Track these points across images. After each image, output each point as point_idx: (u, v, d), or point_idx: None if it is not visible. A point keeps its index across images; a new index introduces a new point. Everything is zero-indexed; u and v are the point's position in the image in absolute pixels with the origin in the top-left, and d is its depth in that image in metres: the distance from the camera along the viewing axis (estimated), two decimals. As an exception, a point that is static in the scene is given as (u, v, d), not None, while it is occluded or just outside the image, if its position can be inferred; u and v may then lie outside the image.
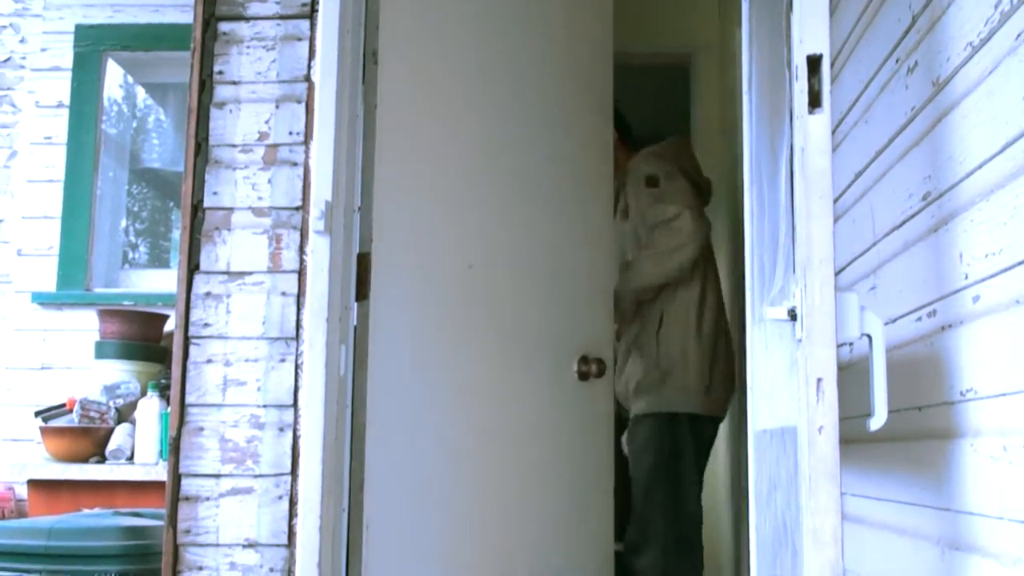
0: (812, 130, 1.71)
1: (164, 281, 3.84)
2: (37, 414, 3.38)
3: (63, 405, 3.40)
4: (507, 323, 2.65)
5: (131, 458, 3.18)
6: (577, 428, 2.79)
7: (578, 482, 2.78)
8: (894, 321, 1.95)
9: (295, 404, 2.37)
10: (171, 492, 2.35)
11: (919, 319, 1.82)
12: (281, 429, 2.37)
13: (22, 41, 3.96)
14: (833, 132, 2.34)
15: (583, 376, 2.74)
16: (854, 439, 2.16)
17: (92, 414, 3.26)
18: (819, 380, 1.62)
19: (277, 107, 2.49)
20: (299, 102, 2.48)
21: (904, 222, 1.91)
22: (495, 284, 2.64)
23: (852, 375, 2.13)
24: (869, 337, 1.69)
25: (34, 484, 3.14)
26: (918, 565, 1.81)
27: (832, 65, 2.38)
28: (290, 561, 2.31)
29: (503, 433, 2.63)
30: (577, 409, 2.77)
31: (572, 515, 2.77)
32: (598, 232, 2.87)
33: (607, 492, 2.83)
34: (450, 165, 2.62)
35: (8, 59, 3.96)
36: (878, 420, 1.69)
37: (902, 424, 1.90)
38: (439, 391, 2.54)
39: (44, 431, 3.23)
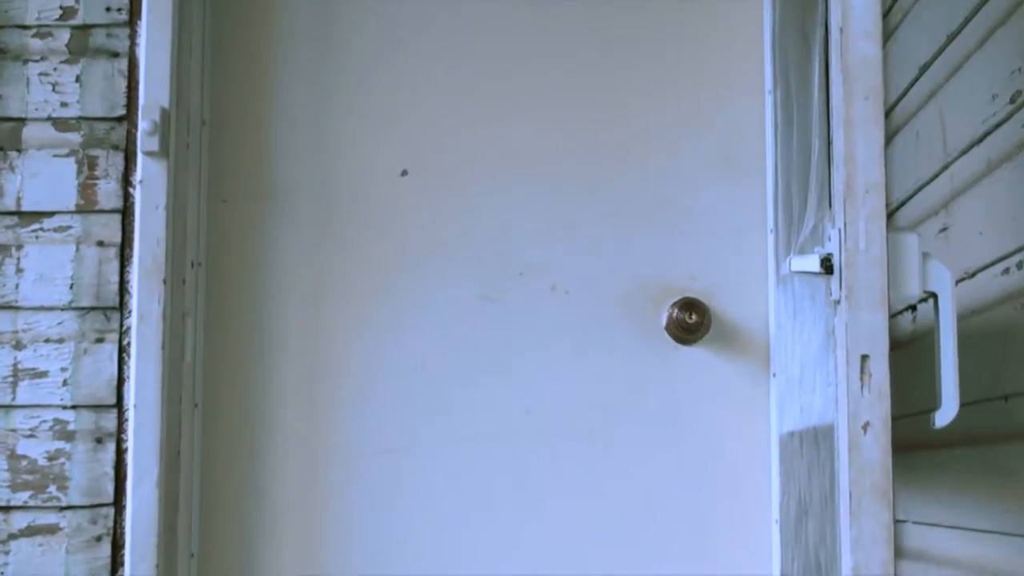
0: (855, 1, 1.70)
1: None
2: None
3: None
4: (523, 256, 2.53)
5: None
6: (681, 426, 2.47)
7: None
8: (972, 276, 1.97)
9: (119, 403, 2.39)
10: (-62, 532, 2.38)
11: (1006, 271, 1.83)
12: (99, 440, 2.37)
13: None
14: (888, 10, 2.39)
15: (685, 332, 2.43)
16: (916, 443, 2.25)
17: None
18: (863, 357, 1.63)
19: (88, -27, 2.52)
20: (120, -35, 2.51)
21: (986, 135, 1.91)
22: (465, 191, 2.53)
23: (915, 356, 2.15)
24: (935, 297, 1.70)
25: None
26: (1005, 618, 1.87)
27: (887, -89, 2.39)
28: (114, 629, 2.35)
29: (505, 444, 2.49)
30: (674, 392, 2.48)
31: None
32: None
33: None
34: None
35: None
36: (947, 414, 1.69)
37: (982, 420, 1.92)
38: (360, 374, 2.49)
39: None
